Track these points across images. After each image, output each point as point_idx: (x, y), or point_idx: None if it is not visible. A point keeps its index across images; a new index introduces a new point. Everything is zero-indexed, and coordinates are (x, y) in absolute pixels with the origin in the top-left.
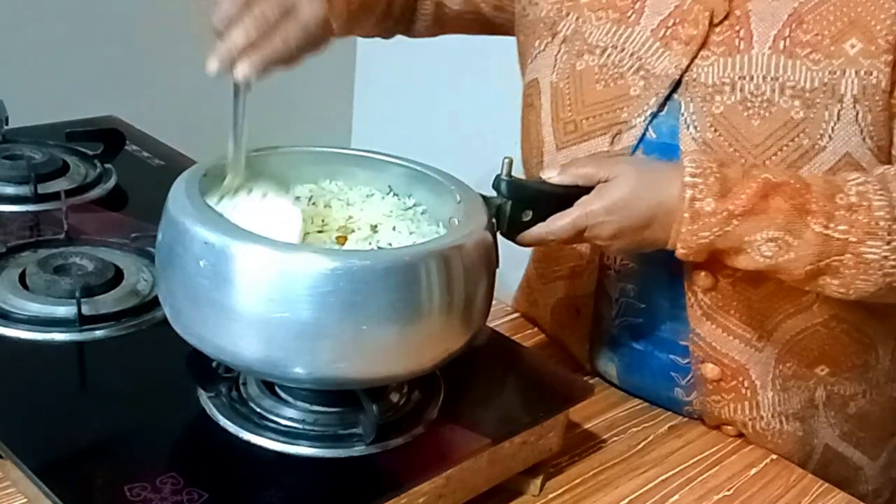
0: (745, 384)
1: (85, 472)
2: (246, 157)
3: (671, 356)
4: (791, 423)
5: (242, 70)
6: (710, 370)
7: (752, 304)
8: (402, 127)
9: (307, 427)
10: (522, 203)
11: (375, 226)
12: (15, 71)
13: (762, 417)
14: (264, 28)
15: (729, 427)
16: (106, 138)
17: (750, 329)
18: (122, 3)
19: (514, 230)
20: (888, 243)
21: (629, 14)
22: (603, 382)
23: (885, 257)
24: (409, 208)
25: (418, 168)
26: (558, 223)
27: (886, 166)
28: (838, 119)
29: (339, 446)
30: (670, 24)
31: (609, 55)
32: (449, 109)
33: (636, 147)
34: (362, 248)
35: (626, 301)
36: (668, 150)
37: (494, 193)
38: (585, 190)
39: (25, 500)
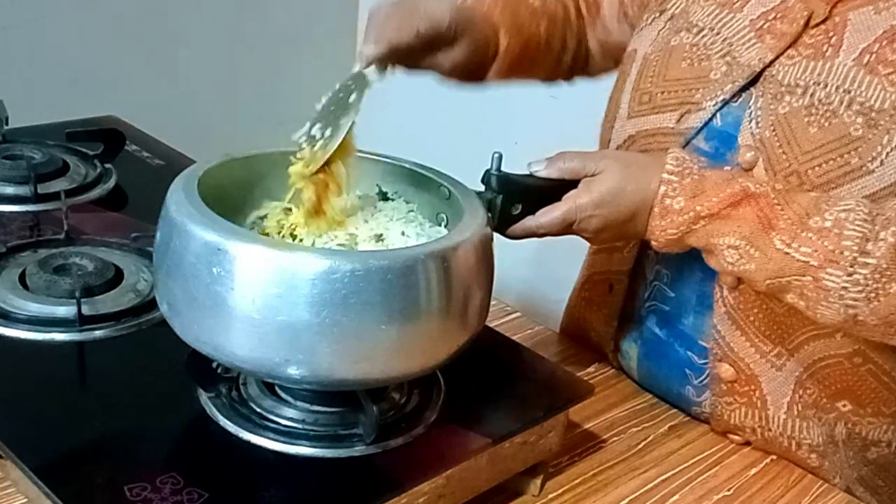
0: (757, 394)
1: (85, 472)
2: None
3: (689, 352)
4: (803, 451)
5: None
6: (726, 371)
7: (775, 317)
8: (401, 127)
9: (307, 427)
10: (512, 197)
11: (380, 235)
12: (15, 71)
13: (770, 430)
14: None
15: (736, 436)
16: (106, 138)
17: (769, 342)
18: (122, 4)
19: (504, 224)
20: (849, 275)
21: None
22: (612, 373)
23: (845, 288)
24: (411, 210)
25: (406, 165)
26: (548, 216)
27: None
28: None
29: (339, 446)
30: (770, 17)
31: (704, 36)
32: (449, 109)
33: (699, 130)
34: None
35: (658, 285)
36: (727, 140)
37: (483, 188)
38: (572, 184)
39: (25, 500)
